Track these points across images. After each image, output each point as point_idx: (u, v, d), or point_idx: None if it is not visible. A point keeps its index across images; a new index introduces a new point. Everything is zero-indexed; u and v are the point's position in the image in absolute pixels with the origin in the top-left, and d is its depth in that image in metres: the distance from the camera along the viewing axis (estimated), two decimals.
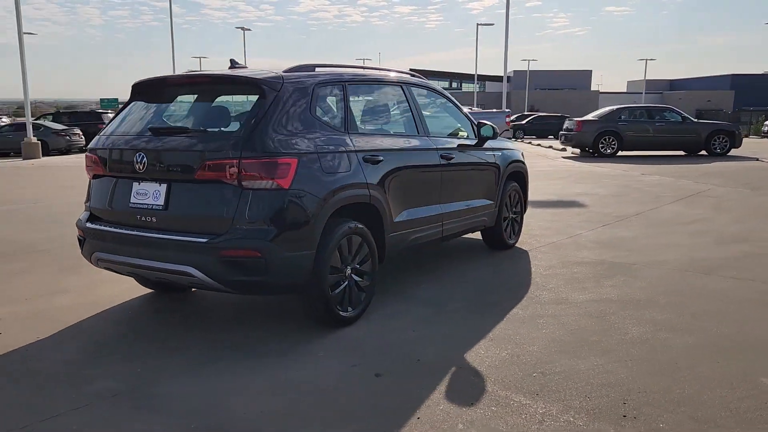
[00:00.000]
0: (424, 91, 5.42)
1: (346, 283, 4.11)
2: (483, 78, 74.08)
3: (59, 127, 24.99)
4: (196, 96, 4.14)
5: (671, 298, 4.73)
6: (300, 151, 3.78)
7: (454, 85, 79.53)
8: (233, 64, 4.45)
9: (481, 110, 29.06)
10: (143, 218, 3.88)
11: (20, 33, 22.04)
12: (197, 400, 3.15)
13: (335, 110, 4.26)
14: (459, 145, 5.48)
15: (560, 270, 5.56)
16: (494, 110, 27.83)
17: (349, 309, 4.15)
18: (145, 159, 3.84)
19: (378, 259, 4.46)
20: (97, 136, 4.29)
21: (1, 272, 5.57)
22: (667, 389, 3.20)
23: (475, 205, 5.67)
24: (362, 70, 4.77)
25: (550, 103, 65.82)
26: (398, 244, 4.62)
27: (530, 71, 66.88)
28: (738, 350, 3.71)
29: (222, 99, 4.09)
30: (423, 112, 5.11)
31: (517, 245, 6.54)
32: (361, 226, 4.18)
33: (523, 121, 38.99)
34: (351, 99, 4.46)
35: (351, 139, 4.18)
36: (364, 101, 4.80)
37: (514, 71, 75.14)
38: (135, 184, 3.95)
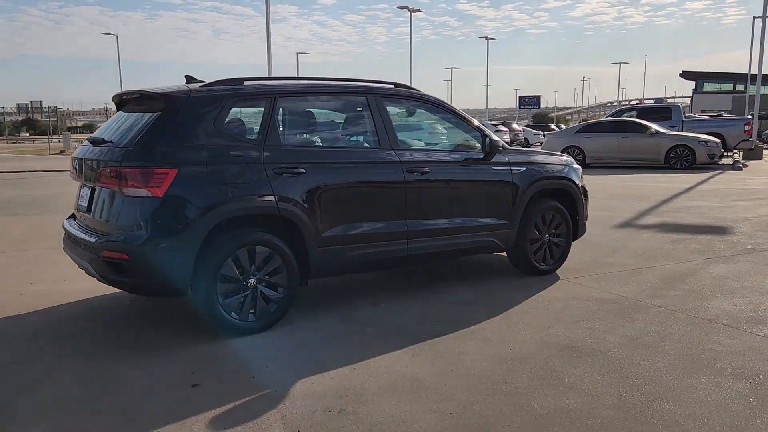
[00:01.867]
0: (414, 104, 5.18)
1: (248, 293, 4.18)
2: None
3: None
4: (132, 109, 4.54)
5: (634, 351, 3.85)
6: (183, 162, 3.96)
7: (739, 87, 69.69)
8: (189, 79, 4.79)
9: (707, 116, 25.16)
10: (82, 218, 4.45)
11: (269, 52, 25.29)
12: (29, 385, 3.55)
13: (253, 123, 4.35)
14: (450, 160, 5.11)
15: (556, 304, 4.85)
16: (731, 116, 23.99)
17: (251, 319, 4.21)
18: (78, 165, 4.40)
19: (308, 272, 4.44)
20: None
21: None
22: None
23: (474, 224, 5.21)
24: (309, 82, 4.73)
25: None
26: (333, 260, 4.51)
27: None
28: (609, 423, 2.94)
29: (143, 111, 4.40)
30: (394, 124, 4.87)
31: (558, 271, 5.81)
32: (269, 237, 4.21)
33: None
34: (283, 112, 4.50)
35: (263, 152, 4.23)
36: (302, 114, 4.75)
37: None
38: (82, 188, 4.53)
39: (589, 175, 16.32)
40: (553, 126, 44.80)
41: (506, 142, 25.09)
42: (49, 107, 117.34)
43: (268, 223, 4.27)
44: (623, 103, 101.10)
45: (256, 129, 4.34)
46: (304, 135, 4.77)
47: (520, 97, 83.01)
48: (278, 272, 4.28)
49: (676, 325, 4.34)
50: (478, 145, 5.30)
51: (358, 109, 4.84)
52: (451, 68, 59.80)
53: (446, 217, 5.07)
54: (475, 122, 5.40)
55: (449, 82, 61.99)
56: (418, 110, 5.31)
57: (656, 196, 11.43)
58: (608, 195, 11.82)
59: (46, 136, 53.07)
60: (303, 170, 4.33)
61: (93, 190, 4.31)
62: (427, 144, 5.25)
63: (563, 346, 3.97)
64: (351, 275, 5.72)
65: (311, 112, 4.81)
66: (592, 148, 18.64)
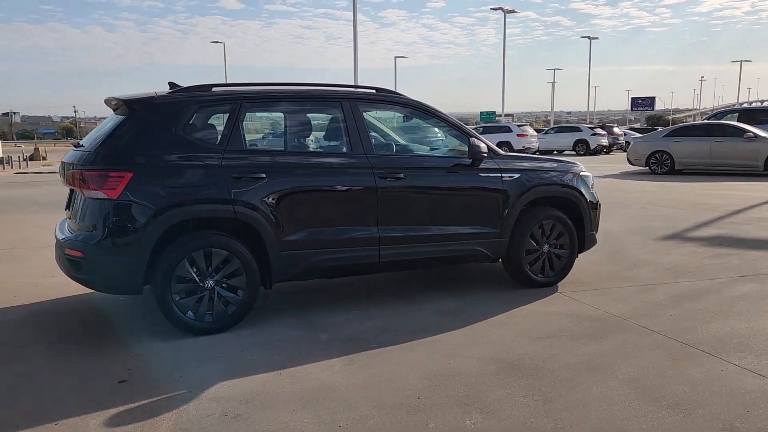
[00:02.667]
0: (396, 108, 5.10)
1: (204, 294, 4.28)
2: None
3: None
4: (116, 114, 4.75)
5: (580, 374, 3.58)
6: (139, 166, 4.12)
7: None
8: (172, 86, 4.95)
9: None
10: (67, 218, 4.74)
11: (355, 58, 25.72)
12: None
13: (215, 128, 4.45)
14: (432, 166, 4.99)
15: (531, 319, 4.60)
16: None
17: (207, 320, 4.31)
18: (62, 169, 4.69)
19: (270, 276, 4.48)
20: None
21: None
22: None
23: (457, 232, 5.03)
24: (279, 87, 4.76)
25: None
26: (295, 264, 4.52)
27: None
28: None
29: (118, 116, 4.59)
30: (370, 130, 4.83)
31: (560, 284, 5.50)
32: (227, 240, 4.29)
33: None
34: (249, 117, 4.57)
35: (223, 157, 4.32)
36: (267, 119, 4.80)
37: None
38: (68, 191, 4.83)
39: (670, 182, 15.42)
40: (660, 129, 42.18)
41: (603, 147, 23.94)
42: None
43: (227, 227, 4.36)
44: (754, 104, 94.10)
45: (219, 134, 4.44)
46: (269, 140, 4.83)
47: (632, 99, 79.33)
48: (237, 275, 4.35)
49: (646, 348, 3.99)
50: (466, 151, 5.12)
51: (330, 113, 4.83)
52: (554, 69, 57.83)
53: (424, 224, 4.93)
54: (462, 127, 5.23)
55: (552, 83, 60.03)
56: (404, 116, 5.22)
57: (729, 206, 10.53)
58: (675, 203, 11.03)
59: None
60: (263, 175, 4.37)
61: (72, 192, 4.58)
62: (413, 150, 5.12)
63: (507, 364, 3.76)
64: (338, 280, 5.70)
65: (278, 117, 4.86)
66: (682, 153, 17.43)
